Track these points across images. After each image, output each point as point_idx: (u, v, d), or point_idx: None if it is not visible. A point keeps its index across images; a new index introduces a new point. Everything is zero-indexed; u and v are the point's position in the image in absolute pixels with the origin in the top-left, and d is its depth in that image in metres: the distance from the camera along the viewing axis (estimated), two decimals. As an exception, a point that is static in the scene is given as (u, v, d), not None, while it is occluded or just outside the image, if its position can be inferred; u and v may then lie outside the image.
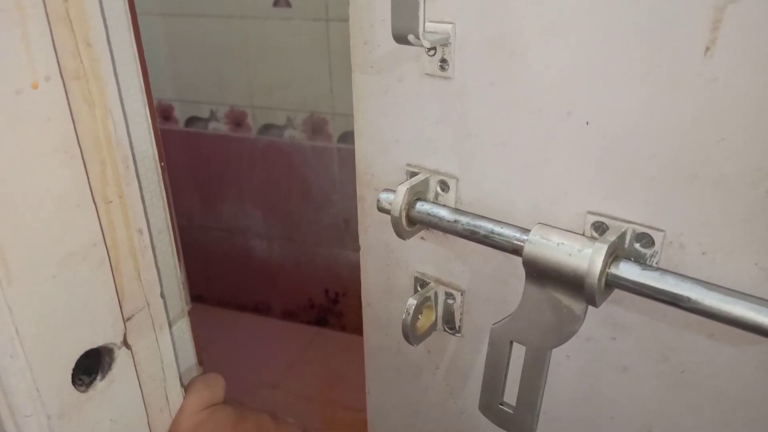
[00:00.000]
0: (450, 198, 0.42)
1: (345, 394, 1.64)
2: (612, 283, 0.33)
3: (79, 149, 0.34)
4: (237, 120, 1.74)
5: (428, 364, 0.49)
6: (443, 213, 0.40)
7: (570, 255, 0.33)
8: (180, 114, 1.81)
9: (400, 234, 0.42)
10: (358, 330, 2.08)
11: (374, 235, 0.47)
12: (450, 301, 0.45)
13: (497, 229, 0.38)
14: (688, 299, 0.31)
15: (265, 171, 1.77)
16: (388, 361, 0.52)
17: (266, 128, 1.71)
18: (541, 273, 0.35)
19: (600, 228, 0.37)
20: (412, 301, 0.44)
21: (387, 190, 0.42)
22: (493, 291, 0.43)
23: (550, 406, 0.43)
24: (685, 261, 0.34)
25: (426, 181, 0.42)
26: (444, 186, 0.42)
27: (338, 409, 1.60)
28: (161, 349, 0.45)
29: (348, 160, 1.62)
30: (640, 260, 0.35)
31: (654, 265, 0.35)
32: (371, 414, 0.56)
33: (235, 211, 1.90)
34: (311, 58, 1.58)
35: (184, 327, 0.49)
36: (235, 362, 1.81)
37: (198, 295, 2.13)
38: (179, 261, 0.49)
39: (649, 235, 0.34)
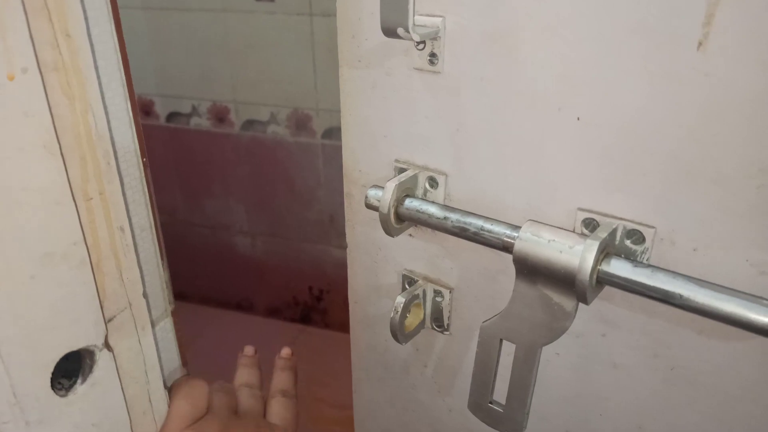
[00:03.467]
0: (439, 194, 0.41)
1: (330, 392, 1.63)
2: (603, 280, 0.33)
3: (58, 144, 0.33)
4: (219, 115, 1.72)
5: (416, 362, 0.49)
6: (432, 210, 0.40)
7: (561, 252, 0.33)
8: (161, 109, 1.78)
9: (389, 231, 0.41)
10: (342, 327, 2.08)
11: (362, 232, 0.46)
12: (438, 299, 0.44)
13: (487, 226, 0.38)
14: (680, 296, 0.31)
15: (249, 167, 1.76)
16: (375, 359, 0.52)
17: (249, 124, 1.69)
18: (531, 270, 0.35)
19: (591, 225, 0.36)
20: (401, 299, 0.43)
21: (375, 186, 0.42)
22: (483, 288, 0.43)
23: (541, 403, 0.43)
24: (677, 257, 0.34)
25: (415, 178, 0.41)
26: (433, 182, 0.41)
27: (324, 407, 1.59)
28: (144, 351, 0.44)
29: (333, 156, 1.61)
30: (631, 257, 0.35)
31: (645, 261, 0.35)
32: (358, 412, 0.56)
33: (218, 208, 1.88)
34: (295, 53, 1.56)
35: (167, 327, 0.48)
36: (218, 360, 1.79)
37: (180, 292, 2.11)
38: (162, 260, 0.48)
39: (640, 232, 0.34)
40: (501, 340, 0.38)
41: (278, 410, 0.51)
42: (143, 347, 0.43)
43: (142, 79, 1.73)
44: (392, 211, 0.40)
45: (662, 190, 0.33)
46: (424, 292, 0.45)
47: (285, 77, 1.60)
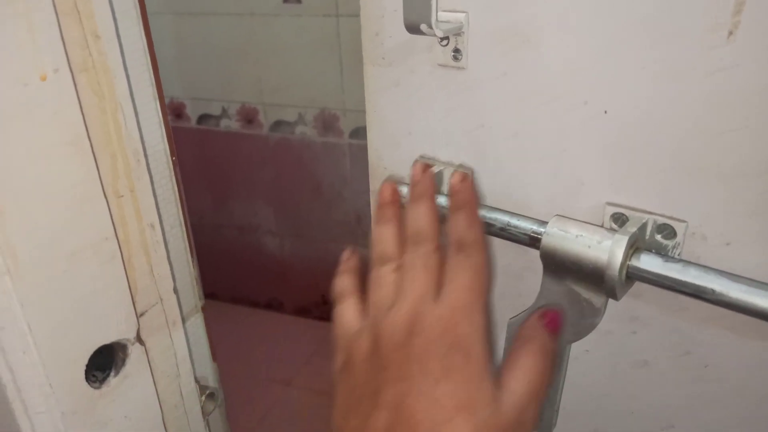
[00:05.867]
0: None
1: None
2: (633, 276, 0.33)
3: (89, 142, 0.34)
4: (248, 117, 1.74)
5: None
6: None
7: (589, 247, 0.33)
8: (191, 112, 1.81)
9: None
10: None
11: None
12: None
13: (513, 221, 0.37)
14: (713, 291, 0.30)
15: (276, 168, 1.77)
16: None
17: (277, 125, 1.71)
18: (559, 266, 0.34)
19: (620, 219, 0.36)
20: None
21: (400, 183, 0.42)
22: (508, 286, 0.42)
23: (570, 401, 0.43)
24: (708, 252, 0.33)
25: (440, 174, 0.41)
26: (458, 178, 0.41)
27: None
28: (175, 345, 0.44)
29: (359, 156, 1.62)
30: (661, 252, 0.34)
31: (676, 256, 0.34)
32: None
33: (246, 209, 1.91)
34: (321, 54, 1.57)
35: (197, 323, 0.49)
36: (248, 359, 1.81)
37: (210, 292, 2.15)
38: (192, 256, 0.49)
39: (671, 226, 0.34)
40: (528, 338, 0.37)
41: (451, 272, 0.32)
42: (174, 342, 0.44)
43: (172, 83, 1.77)
44: None
45: (693, 184, 0.32)
46: None
47: (312, 78, 1.61)
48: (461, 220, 0.34)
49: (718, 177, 0.31)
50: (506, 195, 0.39)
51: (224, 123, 1.77)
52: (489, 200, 0.40)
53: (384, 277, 0.34)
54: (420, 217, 0.35)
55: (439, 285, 0.32)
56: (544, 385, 0.31)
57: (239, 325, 1.98)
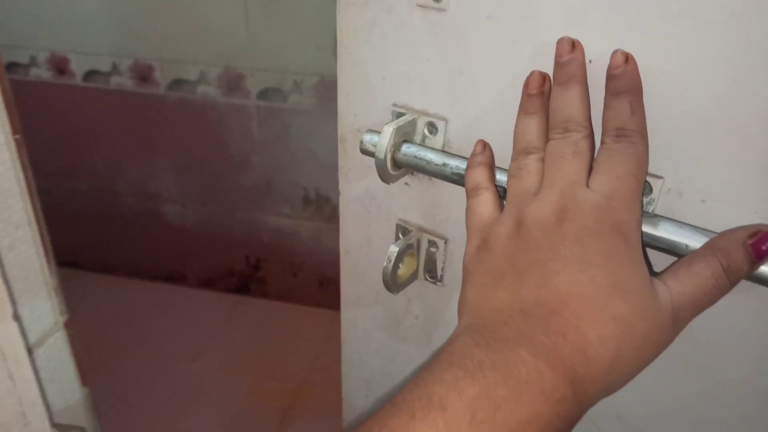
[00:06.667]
0: (438, 141, 0.40)
1: (270, 364, 1.60)
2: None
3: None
4: (143, 74, 1.58)
5: (407, 313, 0.48)
6: (431, 156, 0.38)
7: None
8: (77, 67, 1.63)
9: (385, 178, 0.40)
10: (281, 297, 2.03)
11: (355, 179, 0.44)
12: (432, 250, 0.44)
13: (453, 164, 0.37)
14: (686, 246, 0.31)
15: (176, 132, 1.65)
16: (365, 310, 0.50)
17: (177, 84, 1.57)
18: None
19: None
20: (394, 248, 0.42)
21: (371, 131, 0.40)
22: None
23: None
24: (684, 209, 0.33)
25: (413, 122, 0.40)
26: (432, 128, 0.40)
27: (263, 379, 1.56)
28: (18, 387, 0.34)
29: (269, 119, 1.53)
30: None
31: (650, 212, 0.34)
32: (345, 364, 0.54)
33: (143, 175, 1.77)
34: (225, 7, 1.47)
35: (58, 343, 0.39)
36: (151, 335, 1.70)
37: (106, 264, 1.98)
38: (48, 262, 0.37)
39: (648, 183, 0.33)
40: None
41: (609, 159, 0.31)
42: (16, 383, 0.34)
43: (55, 34, 1.57)
44: (389, 156, 0.39)
45: (676, 140, 0.32)
46: (419, 242, 0.44)
47: (214, 32, 1.50)
48: (624, 104, 0.31)
49: (704, 134, 0.31)
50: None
51: (115, 80, 1.61)
52: (463, 152, 0.39)
53: (528, 166, 0.33)
54: (570, 102, 0.32)
55: (588, 173, 0.31)
56: (710, 300, 0.29)
57: (138, 300, 1.86)
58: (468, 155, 0.38)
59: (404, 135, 0.39)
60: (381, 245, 0.46)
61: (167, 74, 1.55)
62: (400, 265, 0.43)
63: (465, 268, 0.34)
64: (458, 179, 0.38)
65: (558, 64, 0.33)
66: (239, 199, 1.70)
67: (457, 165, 0.38)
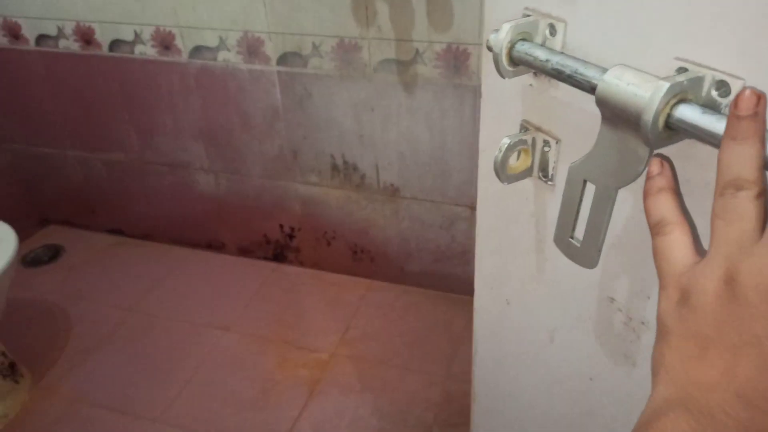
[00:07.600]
0: (557, 42, 0.43)
1: (300, 335, 1.60)
2: (673, 126, 0.32)
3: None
4: (165, 42, 1.58)
5: (524, 211, 0.52)
6: (538, 53, 0.41)
7: (636, 95, 0.33)
8: (102, 37, 1.65)
9: (501, 72, 0.43)
10: (316, 265, 2.07)
11: (492, 82, 0.48)
12: (546, 149, 0.47)
13: (581, 69, 0.38)
14: None
15: (201, 100, 1.66)
16: (496, 206, 0.54)
17: (197, 51, 1.56)
18: (612, 113, 0.35)
19: (680, 73, 0.35)
20: (506, 140, 0.46)
21: (496, 30, 0.43)
22: (586, 141, 0.42)
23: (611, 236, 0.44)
24: None
25: (535, 23, 0.43)
26: (552, 30, 0.44)
27: (293, 350, 1.56)
28: None
29: (291, 85, 1.51)
30: (715, 110, 0.32)
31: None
32: (479, 257, 0.58)
33: (173, 144, 1.78)
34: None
35: None
36: (186, 303, 1.71)
37: (146, 233, 1.98)
38: None
39: (727, 83, 0.33)
40: (585, 181, 0.40)
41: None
42: None
43: (75, 4, 1.58)
44: (504, 52, 0.42)
45: (754, 40, 0.31)
46: (534, 140, 0.47)
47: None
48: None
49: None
50: (592, 48, 0.41)
51: (139, 49, 1.62)
52: (577, 53, 0.42)
53: (740, 207, 0.28)
54: None
55: None
56: None
57: (177, 266, 1.85)
58: (581, 56, 0.40)
59: (524, 34, 0.43)
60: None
61: (187, 41, 1.55)
62: (515, 159, 0.47)
63: (662, 323, 0.30)
64: (557, 74, 0.40)
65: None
66: (268, 168, 1.70)
67: (558, 60, 0.40)
